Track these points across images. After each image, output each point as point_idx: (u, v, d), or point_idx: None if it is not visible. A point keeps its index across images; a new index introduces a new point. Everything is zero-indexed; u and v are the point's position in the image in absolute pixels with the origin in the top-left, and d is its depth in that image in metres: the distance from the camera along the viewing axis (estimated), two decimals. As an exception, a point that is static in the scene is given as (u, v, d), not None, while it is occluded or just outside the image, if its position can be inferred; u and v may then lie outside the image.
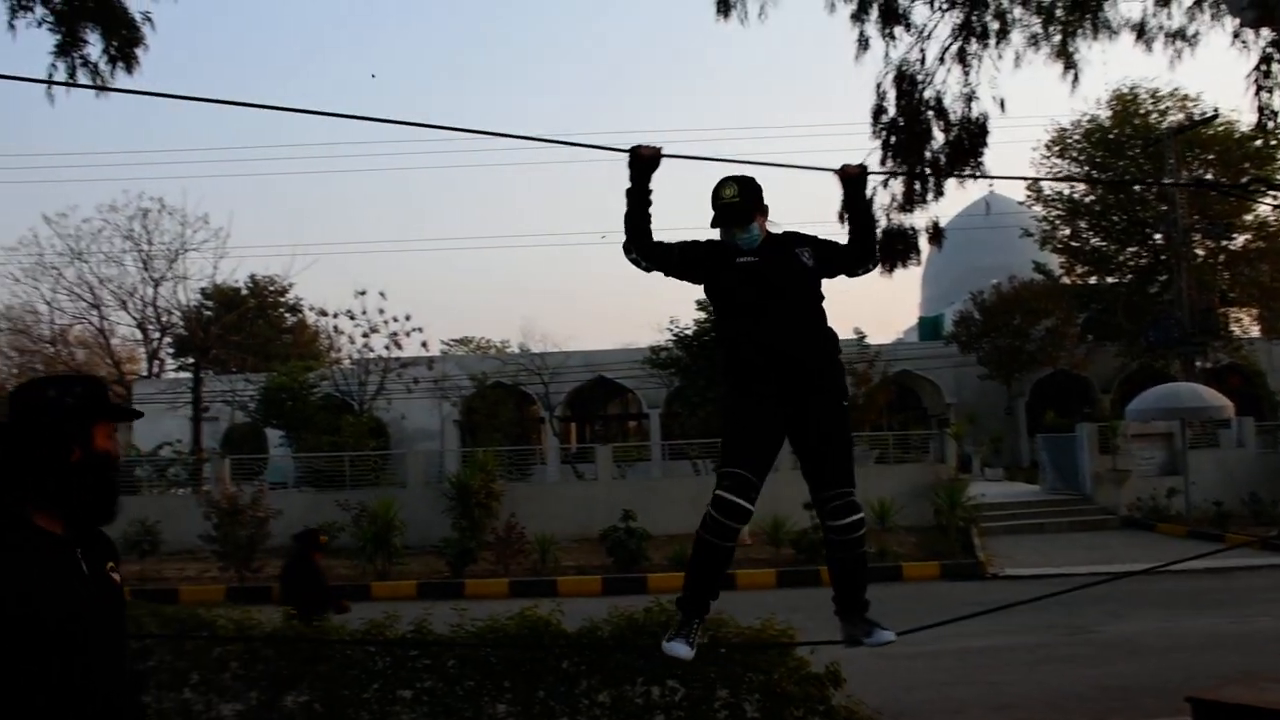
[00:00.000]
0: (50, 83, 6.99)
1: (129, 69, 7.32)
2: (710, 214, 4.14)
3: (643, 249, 4.19)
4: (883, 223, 8.54)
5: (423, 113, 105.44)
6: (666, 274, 4.28)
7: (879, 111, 8.25)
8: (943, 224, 8.65)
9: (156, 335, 37.32)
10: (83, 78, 7.27)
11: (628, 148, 4.18)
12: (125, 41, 7.26)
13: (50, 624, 2.14)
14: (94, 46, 7.24)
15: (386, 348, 26.96)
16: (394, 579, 15.04)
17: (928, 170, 8.15)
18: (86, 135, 72.92)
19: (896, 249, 8.56)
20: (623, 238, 4.22)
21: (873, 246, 4.40)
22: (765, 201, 4.22)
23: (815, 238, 4.30)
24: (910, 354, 32.91)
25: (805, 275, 4.18)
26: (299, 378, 27.20)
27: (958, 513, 17.35)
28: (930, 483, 20.18)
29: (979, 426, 31.15)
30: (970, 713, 7.50)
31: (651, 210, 4.22)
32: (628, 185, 4.20)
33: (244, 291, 39.72)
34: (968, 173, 8.03)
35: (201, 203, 79.62)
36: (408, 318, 27.11)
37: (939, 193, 8.21)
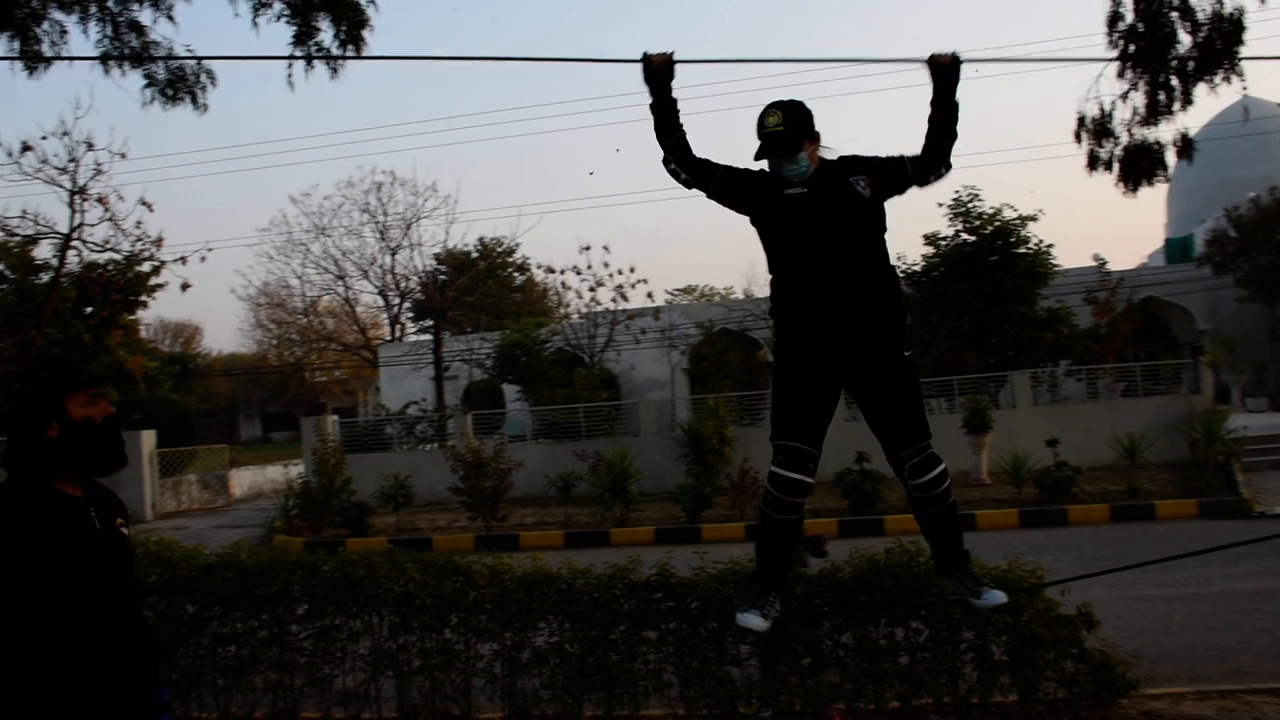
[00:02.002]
0: (292, 58, 7.43)
1: (358, 50, 7.68)
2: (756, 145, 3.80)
3: (681, 160, 3.90)
4: (1124, 139, 7.99)
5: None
6: (708, 195, 3.96)
7: (1114, 19, 7.68)
8: (1192, 135, 8.00)
9: (397, 301, 39.41)
10: (318, 63, 7.69)
11: (639, 57, 3.88)
12: (353, 25, 7.63)
13: (73, 572, 2.54)
14: (326, 33, 7.65)
15: (613, 300, 27.54)
16: (631, 525, 15.42)
17: (1173, 78, 7.54)
18: (323, 118, 77.34)
19: (1140, 165, 7.98)
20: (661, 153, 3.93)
21: (948, 149, 3.90)
22: (816, 128, 3.85)
23: (874, 159, 3.91)
24: (1157, 279, 30.90)
25: (861, 207, 3.82)
26: (531, 334, 28.13)
27: (1216, 447, 16.24)
28: (1184, 415, 19.01)
29: (1238, 354, 28.95)
30: (1238, 659, 7.03)
31: (679, 119, 3.90)
32: (649, 99, 3.90)
33: (474, 254, 41.35)
34: (1219, 77, 7.36)
35: (430, 172, 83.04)
36: (632, 270, 27.60)
37: (1187, 101, 7.58)
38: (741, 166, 3.92)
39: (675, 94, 3.93)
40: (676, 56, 3.88)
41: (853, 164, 3.90)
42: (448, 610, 5.96)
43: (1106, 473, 17.28)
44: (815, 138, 3.86)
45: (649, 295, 28.06)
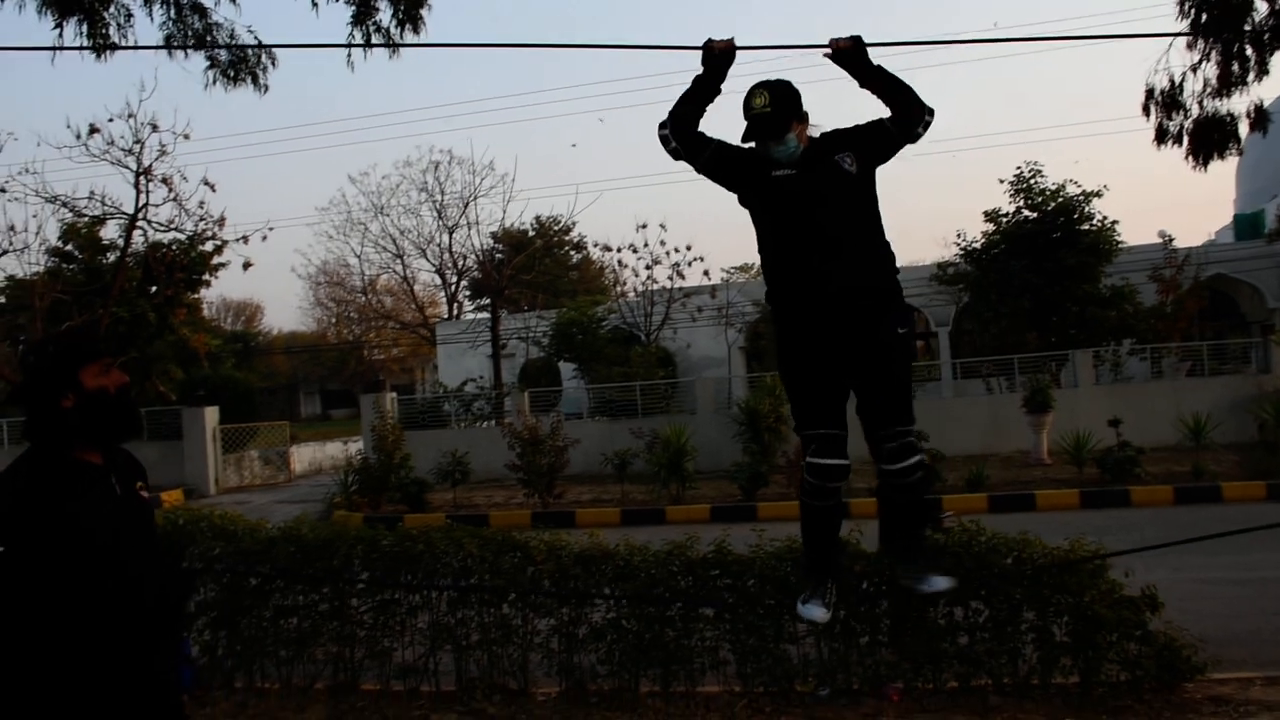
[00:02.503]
0: (350, 45, 7.48)
1: (415, 30, 7.70)
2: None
3: (679, 132, 3.84)
4: (1194, 111, 7.78)
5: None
6: (697, 169, 3.90)
7: (1186, -13, 7.48)
8: (1266, 106, 7.77)
9: (454, 279, 39.66)
10: (377, 42, 7.73)
11: (701, 44, 3.82)
12: (411, 4, 7.65)
13: (95, 536, 2.63)
14: (384, 13, 7.67)
15: (669, 278, 27.53)
16: (687, 503, 15.43)
17: (1247, 47, 7.31)
18: (381, 98, 77.91)
19: (1212, 139, 7.77)
20: (663, 116, 3.89)
21: (915, 100, 3.77)
22: (804, 108, 3.77)
23: (857, 130, 3.82)
24: (1225, 255, 30.12)
25: (850, 184, 3.75)
26: (587, 312, 28.19)
27: (1287, 427, 15.88)
28: (1252, 395, 18.58)
29: (1310, 332, 28.27)
30: (1309, 644, 6.88)
31: (709, 106, 3.86)
32: (699, 74, 3.85)
33: (531, 233, 41.50)
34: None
35: (487, 151, 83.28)
36: (688, 248, 27.55)
37: (1262, 71, 7.34)
38: (728, 142, 3.87)
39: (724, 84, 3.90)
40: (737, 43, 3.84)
41: (837, 140, 3.84)
42: (507, 588, 6.01)
43: (1171, 454, 16.96)
44: (804, 118, 3.80)
45: (705, 273, 28.13)
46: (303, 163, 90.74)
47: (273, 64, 7.94)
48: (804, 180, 3.73)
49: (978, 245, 23.91)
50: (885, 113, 3.85)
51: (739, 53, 3.82)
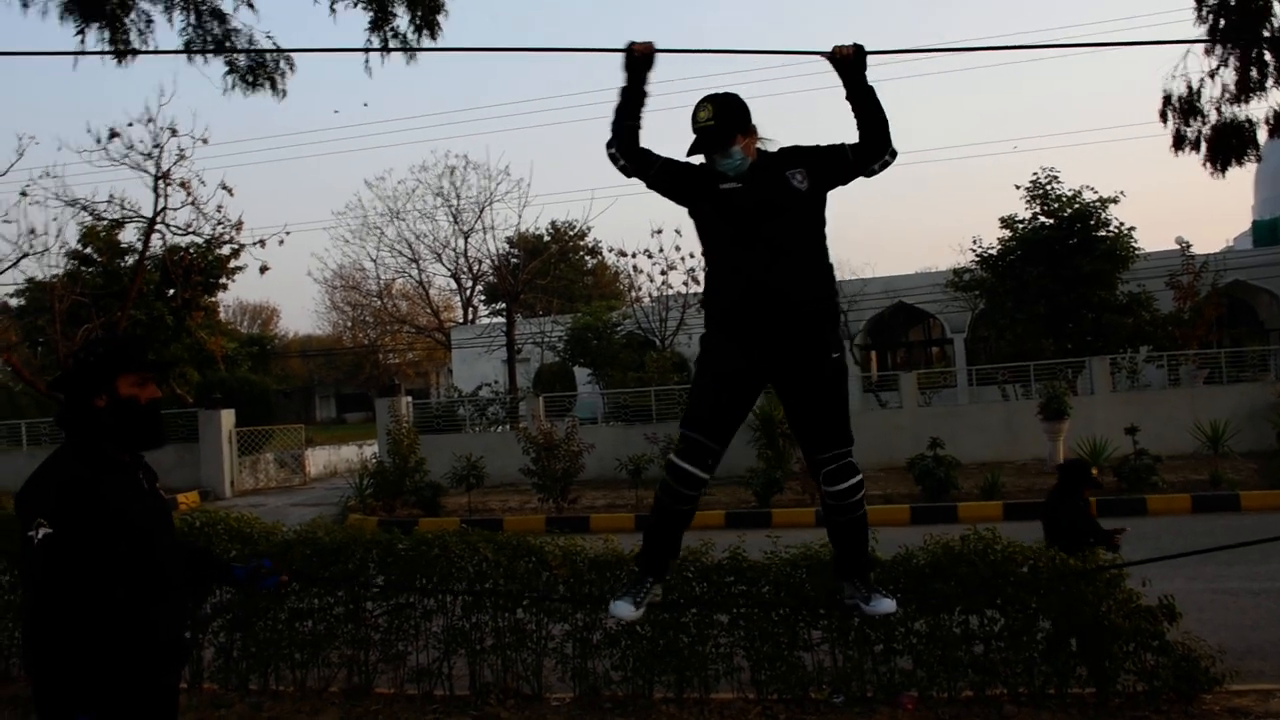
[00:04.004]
0: (368, 49, 7.52)
1: (433, 35, 7.74)
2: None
3: (623, 147, 3.82)
4: (1212, 117, 7.75)
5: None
6: (647, 185, 3.88)
7: (1204, -7, 7.45)
8: (1286, 114, 7.73)
9: (469, 284, 39.76)
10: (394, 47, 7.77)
11: (622, 47, 3.80)
12: (429, 10, 7.69)
13: (123, 525, 2.88)
14: (402, 19, 7.72)
15: (685, 284, 27.50)
16: (701, 509, 15.28)
17: (1266, 53, 7.28)
18: (397, 103, 78.24)
19: (1230, 144, 7.74)
20: (610, 135, 3.85)
21: (886, 134, 3.74)
22: (751, 121, 3.73)
23: (814, 149, 3.79)
24: (1243, 262, 29.94)
25: (797, 202, 3.70)
26: (602, 317, 28.19)
27: (1306, 435, 15.77)
28: (1271, 403, 18.44)
29: (1329, 340, 28.05)
30: (1328, 654, 6.82)
31: (642, 111, 3.83)
32: (622, 84, 3.83)
33: (546, 237, 41.54)
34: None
35: (503, 156, 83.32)
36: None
37: (1282, 78, 7.33)
38: (682, 160, 3.84)
39: (649, 86, 3.88)
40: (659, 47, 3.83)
41: (790, 156, 3.80)
42: (521, 593, 6.01)
43: (1188, 462, 16.85)
44: (750, 131, 3.75)
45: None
46: (319, 167, 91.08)
47: (290, 69, 8.00)
48: (751, 193, 3.70)
49: (994, 251, 23.82)
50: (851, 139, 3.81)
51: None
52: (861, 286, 30.61)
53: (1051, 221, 22.91)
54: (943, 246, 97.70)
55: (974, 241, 24.63)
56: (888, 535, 6.27)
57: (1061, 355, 21.93)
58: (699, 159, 3.80)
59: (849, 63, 3.75)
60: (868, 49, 3.76)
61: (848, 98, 3.81)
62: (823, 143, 3.82)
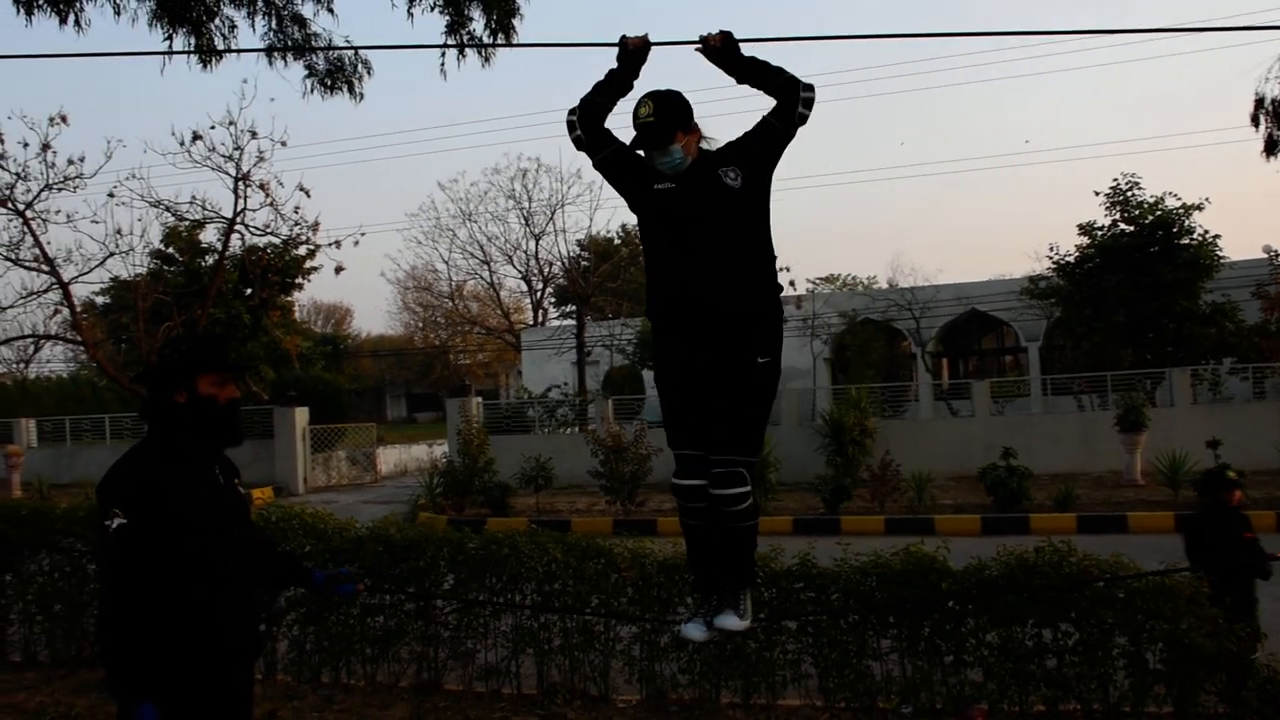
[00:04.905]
0: (445, 46, 7.60)
1: (507, 38, 7.80)
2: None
3: (585, 122, 3.78)
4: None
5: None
6: (594, 164, 3.84)
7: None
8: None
9: (540, 286, 40.10)
10: (470, 52, 7.85)
11: (616, 40, 3.79)
12: (504, 14, 7.75)
13: (198, 519, 2.97)
14: (477, 22, 7.79)
15: (754, 288, 27.36)
16: (770, 514, 15.32)
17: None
18: (471, 106, 79.08)
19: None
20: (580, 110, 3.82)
21: (787, 80, 3.64)
22: (693, 119, 3.67)
23: (741, 138, 3.71)
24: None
25: (731, 201, 3.62)
26: (671, 321, 28.14)
27: None
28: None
29: None
30: None
31: (619, 98, 3.82)
32: (613, 67, 3.82)
33: (617, 240, 41.64)
34: None
35: (575, 159, 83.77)
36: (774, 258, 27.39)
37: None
38: (628, 149, 3.79)
39: (636, 80, 3.87)
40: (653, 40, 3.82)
41: (723, 154, 3.74)
42: (587, 593, 6.03)
43: (1274, 478, 16.37)
44: (691, 129, 3.69)
45: (790, 283, 27.70)
46: (394, 169, 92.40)
47: (368, 73, 8.11)
48: (681, 195, 3.66)
49: (1071, 259, 23.37)
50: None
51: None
52: (934, 293, 30.26)
53: (1132, 229, 22.42)
54: (1016, 253, 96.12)
55: (1051, 249, 24.16)
56: (959, 545, 6.20)
57: (1140, 365, 21.46)
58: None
59: (719, 50, 3.71)
60: (709, 38, 3.72)
61: (739, 81, 3.76)
62: (748, 128, 3.75)
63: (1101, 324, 22.35)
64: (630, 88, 3.86)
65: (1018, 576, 5.46)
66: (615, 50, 3.82)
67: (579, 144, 3.84)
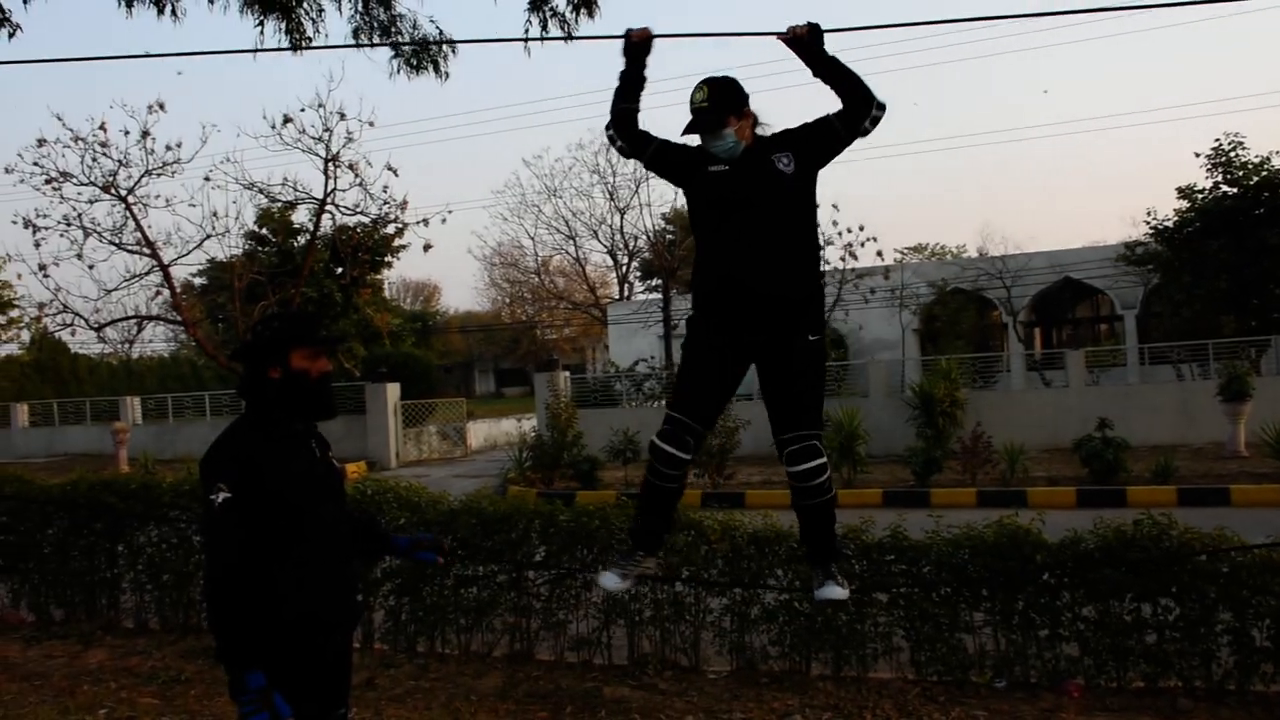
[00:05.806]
0: (527, 39, 7.63)
1: (590, 15, 7.79)
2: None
3: (620, 128, 3.95)
4: None
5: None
6: (645, 165, 4.02)
7: None
8: None
9: (625, 260, 40.20)
10: (553, 29, 7.87)
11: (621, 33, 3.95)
12: (587, -10, 7.74)
13: (294, 490, 3.05)
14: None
15: (842, 259, 27.05)
16: (859, 487, 15.23)
17: None
18: (555, 82, 79.30)
19: None
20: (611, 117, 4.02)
21: (864, 93, 3.68)
22: (748, 105, 3.76)
23: (801, 128, 3.77)
24: None
25: (781, 186, 3.68)
26: (757, 293, 28.01)
27: None
28: None
29: None
30: None
31: (641, 94, 3.98)
32: (621, 69, 3.97)
33: (701, 213, 41.54)
34: None
35: (659, 132, 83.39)
36: (861, 228, 26.95)
37: None
38: (679, 141, 3.93)
39: (649, 70, 4.03)
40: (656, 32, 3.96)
41: (779, 140, 3.81)
42: (678, 565, 6.07)
43: (1386, 447, 15.77)
44: (744, 115, 3.78)
45: (878, 254, 27.34)
46: (480, 146, 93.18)
47: (453, 52, 8.18)
48: (735, 179, 3.74)
49: (1170, 224, 22.67)
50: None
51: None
52: (1026, 261, 29.63)
53: (1235, 191, 21.67)
54: (1112, 218, 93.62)
55: (1148, 213, 23.46)
56: (1054, 519, 6.10)
57: (1244, 333, 20.79)
58: (695, 140, 3.87)
59: (804, 42, 3.75)
60: (795, 29, 3.75)
61: (815, 75, 3.80)
62: (810, 119, 3.82)
63: (1202, 290, 21.68)
64: (645, 81, 4.02)
65: (1115, 550, 5.35)
66: (629, 47, 3.95)
67: (624, 153, 4.04)
